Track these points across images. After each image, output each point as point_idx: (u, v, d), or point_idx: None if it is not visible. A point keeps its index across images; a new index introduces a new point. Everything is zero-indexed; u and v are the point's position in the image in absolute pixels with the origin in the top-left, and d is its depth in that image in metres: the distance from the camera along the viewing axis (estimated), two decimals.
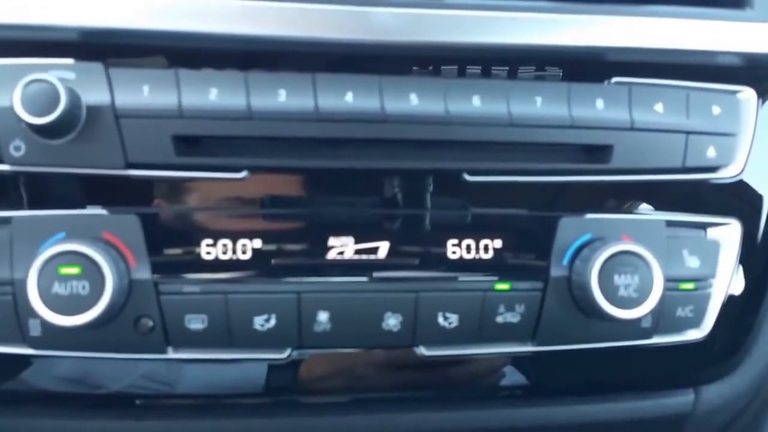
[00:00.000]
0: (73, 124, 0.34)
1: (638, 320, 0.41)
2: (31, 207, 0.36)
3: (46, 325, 0.35)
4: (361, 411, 0.42)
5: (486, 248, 0.39)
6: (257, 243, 0.37)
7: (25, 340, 0.36)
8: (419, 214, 0.39)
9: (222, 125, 0.36)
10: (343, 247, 0.37)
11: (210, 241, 0.36)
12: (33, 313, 0.34)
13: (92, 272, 0.33)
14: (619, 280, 0.39)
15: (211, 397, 0.39)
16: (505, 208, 0.40)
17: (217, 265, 0.36)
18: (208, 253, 0.36)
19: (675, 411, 0.46)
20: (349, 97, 0.37)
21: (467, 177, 0.39)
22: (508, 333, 0.39)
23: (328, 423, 0.42)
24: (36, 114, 0.33)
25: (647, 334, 0.42)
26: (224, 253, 0.36)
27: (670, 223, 0.41)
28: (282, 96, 0.36)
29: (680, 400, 0.46)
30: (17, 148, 0.35)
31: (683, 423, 0.46)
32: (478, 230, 0.39)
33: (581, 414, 0.45)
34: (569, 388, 0.44)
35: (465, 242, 0.39)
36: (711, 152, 0.41)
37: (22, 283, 0.34)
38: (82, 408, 0.39)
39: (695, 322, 0.42)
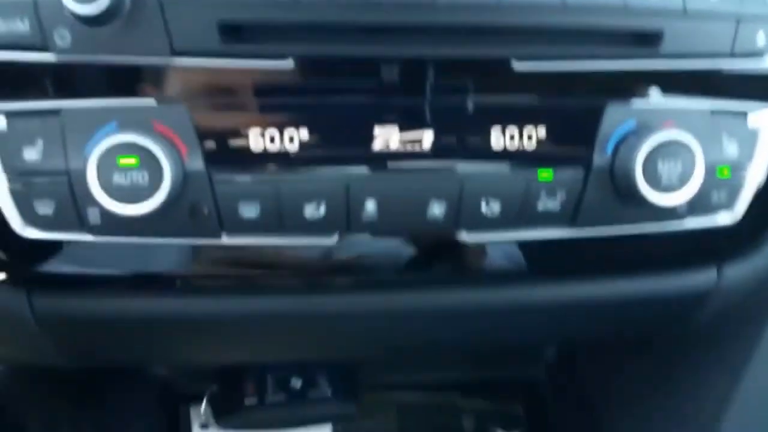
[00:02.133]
0: (118, 11, 0.34)
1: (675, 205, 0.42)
2: (78, 97, 0.35)
3: (105, 214, 0.35)
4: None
5: (530, 136, 0.39)
6: (304, 133, 0.37)
7: (84, 228, 0.36)
8: (464, 102, 0.39)
9: (268, 11, 0.35)
10: (388, 136, 0.38)
11: (258, 131, 0.37)
12: (92, 203, 0.35)
13: (150, 162, 0.34)
14: (662, 167, 0.39)
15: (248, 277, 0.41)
16: (551, 96, 0.40)
17: (266, 154, 0.37)
18: (257, 143, 0.37)
19: (697, 288, 0.48)
20: None
21: (515, 64, 0.38)
22: (547, 218, 0.41)
23: (363, 300, 0.43)
24: (81, 1, 0.32)
25: (681, 217, 0.43)
26: (272, 142, 0.37)
27: (713, 111, 0.41)
28: None
29: (703, 277, 0.48)
30: (62, 37, 0.34)
31: (705, 299, 0.48)
32: (522, 118, 0.39)
33: (603, 291, 0.47)
34: (592, 267, 0.46)
35: (509, 130, 0.39)
36: (761, 38, 0.41)
37: (80, 174, 0.35)
38: (125, 287, 0.40)
39: (728, 206, 0.43)
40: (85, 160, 0.34)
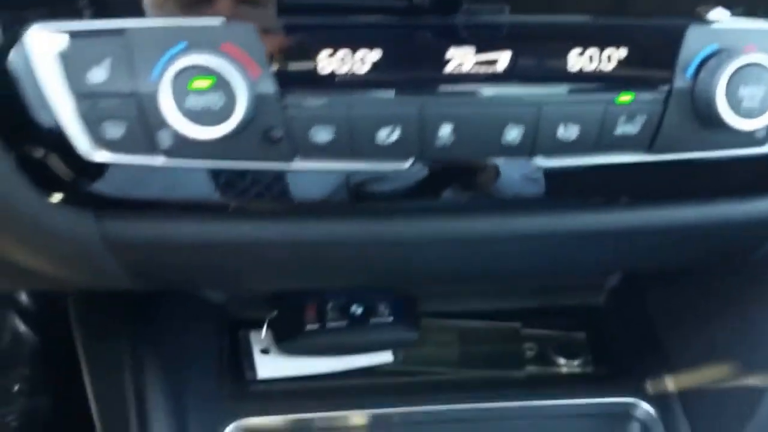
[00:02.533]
0: None
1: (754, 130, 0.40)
2: (142, 15, 0.35)
3: (177, 138, 0.35)
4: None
5: (610, 58, 0.38)
6: (377, 54, 0.36)
7: (155, 151, 0.36)
8: (543, 23, 0.37)
9: None
10: (464, 58, 0.37)
11: (330, 52, 0.35)
12: (164, 126, 0.35)
13: (223, 85, 0.34)
14: (744, 91, 0.38)
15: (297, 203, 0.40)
16: (632, 17, 0.38)
17: (338, 77, 0.36)
18: (329, 65, 0.36)
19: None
20: None
21: None
22: (625, 143, 0.40)
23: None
24: None
25: (760, 142, 0.42)
26: (344, 64, 0.36)
27: None
28: None
29: None
30: None
31: None
32: (603, 40, 0.38)
33: (676, 217, 0.46)
34: (666, 193, 0.45)
35: (589, 52, 0.37)
36: None
37: (150, 96, 0.34)
38: (193, 211, 0.40)
39: None
40: (156, 82, 0.34)
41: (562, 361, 0.67)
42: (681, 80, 0.39)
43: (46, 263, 0.44)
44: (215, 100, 0.34)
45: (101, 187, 0.39)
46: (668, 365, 0.65)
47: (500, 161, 0.40)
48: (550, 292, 0.71)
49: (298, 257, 0.45)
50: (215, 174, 0.39)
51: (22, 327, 0.83)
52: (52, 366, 0.82)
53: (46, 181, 0.38)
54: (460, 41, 0.37)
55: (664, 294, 0.67)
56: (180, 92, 0.34)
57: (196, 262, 0.45)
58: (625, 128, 0.39)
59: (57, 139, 0.36)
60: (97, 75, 0.35)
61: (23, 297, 0.83)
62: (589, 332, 0.70)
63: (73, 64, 0.35)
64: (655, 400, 0.64)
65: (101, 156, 0.37)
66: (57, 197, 0.39)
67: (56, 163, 0.38)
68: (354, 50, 0.36)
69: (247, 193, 0.40)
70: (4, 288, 0.58)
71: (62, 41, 0.35)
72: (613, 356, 0.68)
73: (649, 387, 0.65)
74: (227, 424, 0.58)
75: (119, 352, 0.57)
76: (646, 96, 0.39)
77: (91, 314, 0.59)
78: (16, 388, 0.81)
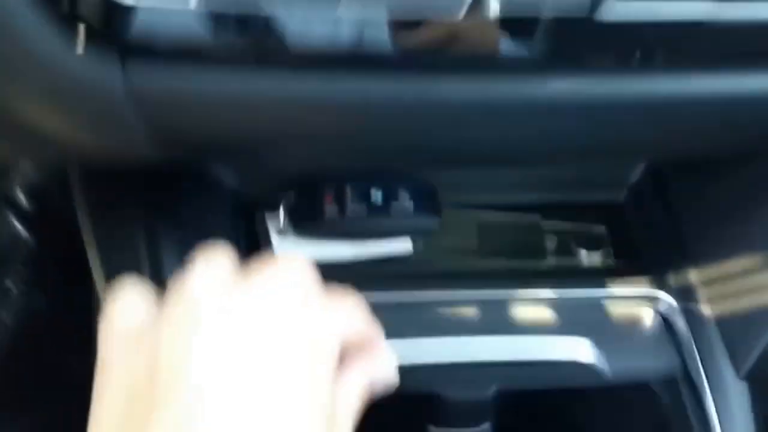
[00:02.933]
0: None
1: None
2: None
3: None
4: None
5: None
6: None
7: None
8: None
9: None
10: None
11: None
12: None
13: None
14: None
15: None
16: None
17: None
18: None
19: None
20: None
21: None
22: None
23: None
24: None
25: None
26: None
27: None
28: None
29: None
30: None
31: None
32: None
33: (727, 84, 0.44)
34: (720, 57, 0.43)
35: None
36: None
37: None
38: (225, 61, 0.38)
39: None
40: None
41: (583, 253, 0.66)
42: None
43: (64, 119, 0.41)
44: None
45: (129, 30, 0.36)
46: (691, 259, 0.64)
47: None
48: (571, 187, 0.69)
49: (330, 119, 0.43)
50: (245, 20, 0.36)
51: (17, 225, 0.81)
52: (50, 265, 0.81)
53: (70, 23, 0.36)
54: None
55: (688, 185, 0.66)
56: None
57: (220, 121, 0.42)
58: None
59: None
60: None
61: (19, 195, 0.81)
62: (610, 227, 0.69)
63: None
64: (677, 292, 0.63)
65: None
66: (82, 41, 0.36)
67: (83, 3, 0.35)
68: None
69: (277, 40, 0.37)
70: (15, 154, 0.55)
71: None
72: (635, 250, 0.67)
73: (671, 280, 0.64)
74: None
75: (132, 231, 0.55)
76: None
77: (101, 193, 0.56)
78: (12, 286, 0.80)
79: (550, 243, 0.67)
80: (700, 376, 0.60)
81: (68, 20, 0.36)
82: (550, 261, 0.66)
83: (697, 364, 0.61)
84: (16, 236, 0.81)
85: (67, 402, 0.76)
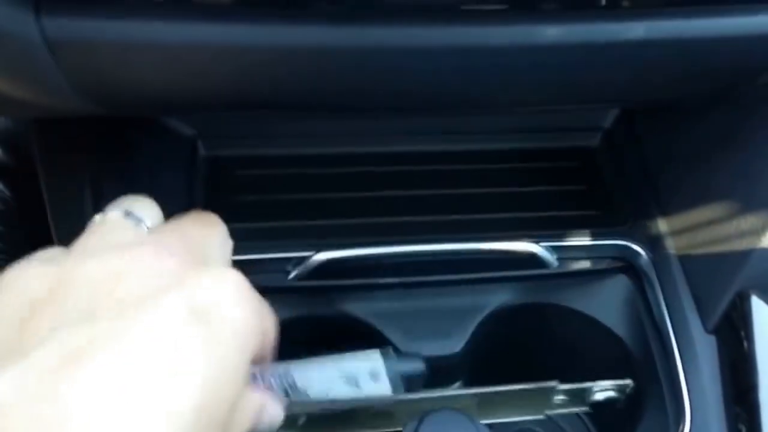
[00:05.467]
0: None
1: None
2: None
3: None
4: None
5: None
6: None
7: None
8: None
9: None
10: None
11: None
12: None
13: None
14: None
15: None
16: None
17: None
18: None
19: None
20: None
21: None
22: None
23: None
24: None
25: None
26: None
27: None
28: None
29: None
30: None
31: None
32: None
33: (698, 26, 0.42)
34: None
35: None
36: None
37: None
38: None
39: None
40: None
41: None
42: None
43: None
44: None
45: None
46: (662, 207, 0.63)
47: None
48: (545, 132, 0.67)
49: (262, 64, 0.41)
50: None
51: None
52: (27, 224, 0.80)
53: None
54: None
55: (660, 128, 0.64)
56: None
57: (140, 69, 0.40)
58: None
59: None
60: None
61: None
62: (582, 171, 0.67)
63: None
64: (648, 242, 0.62)
65: None
66: None
67: None
68: None
69: None
70: None
71: None
72: (606, 195, 0.66)
73: (642, 229, 0.63)
74: None
75: (80, 182, 0.53)
76: None
77: (52, 144, 0.55)
78: None
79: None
80: (668, 329, 0.60)
81: None
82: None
83: (665, 317, 0.60)
84: None
85: None
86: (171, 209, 0.57)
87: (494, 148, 0.67)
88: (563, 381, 0.69)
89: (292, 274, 0.57)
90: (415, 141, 0.64)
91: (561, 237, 0.62)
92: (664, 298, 0.60)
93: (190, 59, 0.39)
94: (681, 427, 0.57)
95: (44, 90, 0.41)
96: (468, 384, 0.62)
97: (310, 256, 0.57)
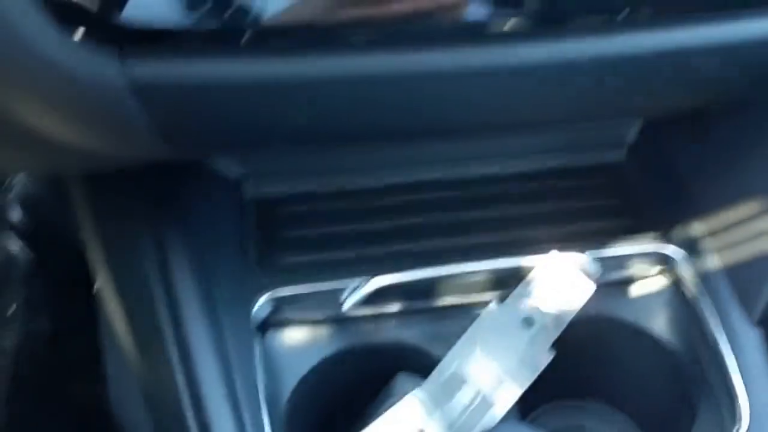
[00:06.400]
0: None
1: None
2: None
3: None
4: None
5: None
6: None
7: None
8: None
9: None
10: None
11: None
12: None
13: None
14: None
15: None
16: None
17: None
18: None
19: None
20: None
21: None
22: None
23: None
24: None
25: None
26: None
27: None
28: None
29: None
30: None
31: None
32: None
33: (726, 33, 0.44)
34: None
35: None
36: None
37: None
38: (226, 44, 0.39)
39: None
40: None
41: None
42: None
43: (67, 117, 0.42)
44: None
45: (123, 19, 0.37)
46: (694, 211, 0.65)
47: None
48: (571, 151, 0.70)
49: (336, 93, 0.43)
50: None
51: (14, 246, 0.81)
52: (50, 284, 0.81)
53: (65, 15, 0.36)
54: None
55: (683, 143, 0.67)
56: None
57: (226, 106, 0.43)
58: None
59: None
60: None
61: (14, 210, 0.81)
62: (612, 186, 0.70)
63: None
64: (684, 245, 0.64)
65: None
66: (78, 33, 0.37)
67: None
68: None
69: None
70: (16, 165, 0.56)
71: None
72: (638, 208, 0.68)
73: (677, 234, 0.65)
74: (260, 296, 0.57)
75: (138, 231, 0.55)
76: None
77: (103, 194, 0.57)
78: (11, 307, 0.79)
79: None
80: (715, 326, 0.61)
81: (63, 12, 0.36)
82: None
83: (711, 316, 0.62)
84: (13, 254, 0.81)
85: (71, 428, 0.76)
86: (225, 250, 0.59)
87: (525, 169, 0.69)
88: (611, 395, 0.71)
89: (346, 305, 0.59)
90: (449, 167, 0.66)
91: (599, 249, 0.64)
92: (707, 297, 0.62)
93: (275, 95, 0.42)
94: (737, 426, 0.58)
95: (123, 135, 0.43)
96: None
97: (361, 284, 0.58)
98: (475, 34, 0.42)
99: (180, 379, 0.51)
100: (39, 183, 0.77)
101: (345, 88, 0.42)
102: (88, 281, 0.60)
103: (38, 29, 0.36)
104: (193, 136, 0.45)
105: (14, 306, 0.78)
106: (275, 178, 0.64)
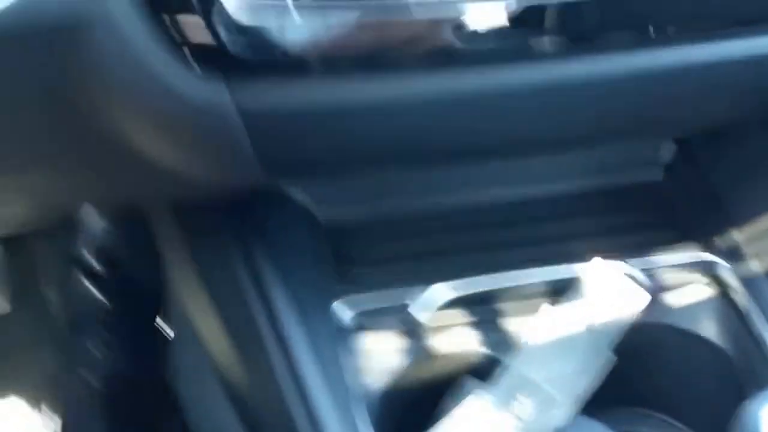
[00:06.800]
0: None
1: None
2: None
3: None
4: None
5: None
6: None
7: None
8: None
9: None
10: None
11: None
12: None
13: None
14: None
15: None
16: None
17: None
18: None
19: None
20: None
21: None
22: None
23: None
24: None
25: None
26: None
27: None
28: None
29: None
30: None
31: None
32: None
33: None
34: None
35: None
36: None
37: None
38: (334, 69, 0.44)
39: None
40: None
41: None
42: None
43: (179, 145, 0.46)
44: None
45: (234, 50, 0.42)
46: (735, 221, 0.69)
47: None
48: (607, 170, 0.74)
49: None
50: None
51: (90, 287, 0.85)
52: (129, 326, 0.84)
53: (180, 46, 0.41)
54: None
55: (718, 156, 0.71)
56: None
57: (333, 131, 0.47)
58: None
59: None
60: None
61: (88, 256, 0.85)
62: (651, 204, 0.74)
63: None
64: (726, 254, 0.68)
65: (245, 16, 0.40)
66: (192, 62, 0.42)
67: (191, 25, 0.41)
68: None
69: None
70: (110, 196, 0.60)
71: None
72: (680, 223, 0.72)
73: (718, 243, 0.69)
74: (338, 303, 0.62)
75: (229, 247, 0.60)
76: None
77: (190, 218, 0.61)
78: (94, 349, 0.83)
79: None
80: (763, 329, 0.64)
81: (177, 43, 0.41)
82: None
83: (758, 318, 0.65)
84: (91, 298, 0.84)
85: None
86: (304, 261, 0.63)
87: (568, 189, 0.74)
88: (667, 403, 0.73)
89: (416, 313, 0.63)
90: (501, 188, 0.71)
91: (647, 259, 0.68)
92: (754, 301, 0.65)
93: (380, 117, 0.46)
94: None
95: (226, 160, 0.48)
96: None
97: (430, 294, 0.63)
98: (519, 54, 0.47)
99: (284, 377, 0.54)
100: (111, 222, 0.81)
101: (427, 111, 0.47)
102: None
103: (163, 62, 0.41)
104: (290, 160, 0.50)
105: (97, 348, 0.81)
106: (339, 202, 0.68)
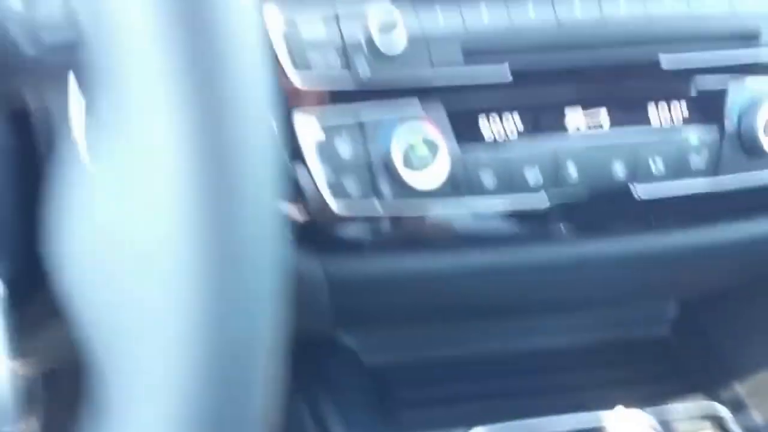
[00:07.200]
0: None
1: None
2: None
3: (398, 189, 0.51)
4: None
5: (679, 111, 0.55)
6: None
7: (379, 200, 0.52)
8: (629, 91, 0.55)
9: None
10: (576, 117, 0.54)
11: (489, 119, 0.53)
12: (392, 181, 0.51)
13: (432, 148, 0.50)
14: None
15: None
16: (689, 81, 0.56)
17: (495, 135, 0.53)
18: (491, 127, 0.53)
19: None
20: None
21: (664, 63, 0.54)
22: (697, 172, 0.56)
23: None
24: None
25: None
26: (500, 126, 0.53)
27: None
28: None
29: None
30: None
31: None
32: (671, 98, 0.56)
33: (741, 232, 0.62)
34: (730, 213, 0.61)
35: (662, 108, 0.55)
36: None
37: (384, 160, 0.51)
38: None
39: None
40: (387, 152, 0.50)
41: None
42: (730, 123, 0.56)
43: None
44: (429, 159, 0.50)
45: (330, 233, 0.54)
46: (738, 375, 0.78)
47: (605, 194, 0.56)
48: (612, 326, 0.84)
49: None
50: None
51: None
52: None
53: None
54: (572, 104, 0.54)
55: (722, 316, 0.81)
56: (407, 156, 0.50)
57: (403, 293, 0.58)
58: (695, 159, 0.56)
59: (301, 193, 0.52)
60: (343, 152, 0.51)
61: None
62: (659, 358, 0.83)
63: (326, 150, 0.51)
64: (729, 405, 0.77)
65: (343, 210, 0.51)
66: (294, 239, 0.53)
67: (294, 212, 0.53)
68: (502, 116, 0.53)
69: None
70: None
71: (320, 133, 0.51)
72: (685, 374, 0.81)
73: (722, 395, 0.78)
74: None
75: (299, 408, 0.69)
76: (707, 137, 0.56)
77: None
78: None
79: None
80: None
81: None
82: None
83: None
84: None
85: None
86: (359, 418, 0.72)
87: (587, 342, 0.83)
88: None
89: None
90: (523, 339, 0.81)
91: (658, 409, 0.77)
92: None
93: (443, 282, 0.58)
94: None
95: (305, 311, 0.58)
96: None
97: None
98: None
99: None
100: None
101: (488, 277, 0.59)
102: None
103: None
104: (361, 314, 0.60)
105: None
106: (385, 347, 0.78)
